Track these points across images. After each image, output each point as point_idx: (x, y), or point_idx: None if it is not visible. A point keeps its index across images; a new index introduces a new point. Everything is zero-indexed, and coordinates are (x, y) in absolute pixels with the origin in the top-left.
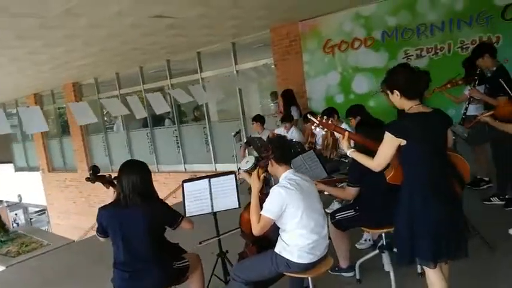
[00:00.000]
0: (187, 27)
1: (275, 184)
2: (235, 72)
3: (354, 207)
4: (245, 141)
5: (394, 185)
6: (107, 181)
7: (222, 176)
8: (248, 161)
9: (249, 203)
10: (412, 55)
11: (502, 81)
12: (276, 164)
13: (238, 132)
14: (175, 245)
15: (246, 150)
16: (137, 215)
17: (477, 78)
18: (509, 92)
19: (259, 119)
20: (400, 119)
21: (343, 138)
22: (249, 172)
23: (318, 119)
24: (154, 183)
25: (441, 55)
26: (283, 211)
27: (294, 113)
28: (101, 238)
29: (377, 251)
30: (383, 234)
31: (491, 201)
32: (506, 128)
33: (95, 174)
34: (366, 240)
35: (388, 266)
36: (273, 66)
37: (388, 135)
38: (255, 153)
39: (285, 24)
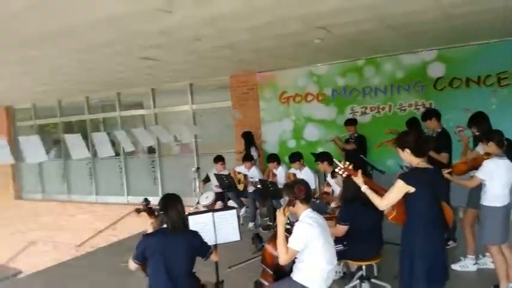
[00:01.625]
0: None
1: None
2: (191, 110)
3: (342, 243)
4: (204, 178)
5: (376, 223)
6: (153, 212)
7: (224, 211)
8: (208, 196)
9: (272, 237)
10: (358, 112)
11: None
12: (300, 204)
13: (198, 168)
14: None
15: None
16: (182, 245)
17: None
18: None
19: (221, 159)
20: (410, 172)
21: (357, 176)
22: (208, 206)
23: (343, 165)
24: (93, 215)
25: (383, 114)
26: (306, 244)
27: (254, 153)
28: (134, 265)
29: (358, 281)
30: (363, 266)
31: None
32: (462, 183)
33: (147, 206)
34: (336, 272)
35: None
36: (232, 108)
37: (400, 183)
38: (214, 189)
39: (243, 74)
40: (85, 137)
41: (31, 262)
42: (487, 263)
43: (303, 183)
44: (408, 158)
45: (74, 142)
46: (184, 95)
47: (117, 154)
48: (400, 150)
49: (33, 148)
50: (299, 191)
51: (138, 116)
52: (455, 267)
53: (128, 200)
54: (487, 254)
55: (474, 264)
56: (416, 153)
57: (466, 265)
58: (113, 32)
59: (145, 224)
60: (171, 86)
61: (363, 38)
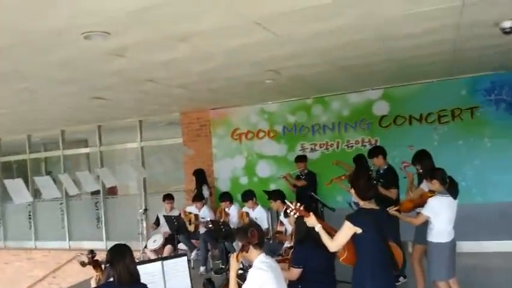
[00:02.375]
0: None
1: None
2: (139, 147)
3: (297, 286)
4: (155, 220)
5: (329, 263)
6: (99, 265)
7: (174, 258)
8: (156, 240)
9: (225, 285)
10: (308, 148)
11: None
12: (253, 249)
13: (146, 210)
14: None
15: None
16: None
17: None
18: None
19: (170, 197)
20: (356, 213)
21: (309, 217)
22: (156, 251)
23: (295, 206)
24: (31, 262)
25: (331, 150)
26: None
27: (205, 191)
28: None
29: None
30: None
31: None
32: (408, 220)
33: (92, 258)
34: None
35: None
36: (183, 145)
37: (347, 224)
38: (163, 231)
39: (195, 110)
40: (25, 178)
41: None
42: None
43: (256, 226)
44: (356, 197)
45: (15, 188)
46: (132, 131)
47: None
48: (352, 189)
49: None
50: (252, 236)
51: (82, 154)
52: None
53: (69, 245)
54: None
55: None
56: (361, 197)
57: None
58: (65, 73)
59: (88, 273)
60: (119, 123)
61: (313, 79)
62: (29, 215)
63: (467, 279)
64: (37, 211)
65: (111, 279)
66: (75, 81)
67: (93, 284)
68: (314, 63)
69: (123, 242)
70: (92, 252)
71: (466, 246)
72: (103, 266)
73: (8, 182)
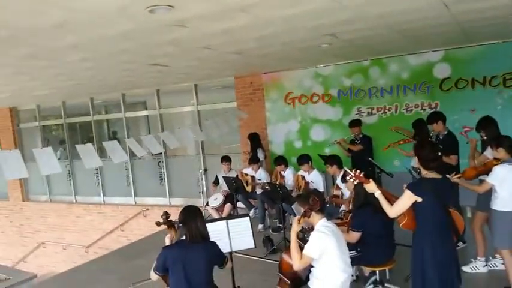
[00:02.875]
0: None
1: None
2: (196, 111)
3: (356, 249)
4: (214, 179)
5: (388, 228)
6: (172, 225)
7: (238, 218)
8: (217, 198)
9: (289, 246)
10: (364, 112)
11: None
12: (315, 214)
13: (206, 170)
14: None
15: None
16: (200, 254)
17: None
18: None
19: (227, 159)
20: (418, 182)
21: (369, 184)
22: (217, 208)
23: (354, 173)
24: (101, 216)
25: (389, 114)
26: (322, 253)
27: (260, 154)
28: (156, 276)
29: (372, 286)
30: (377, 271)
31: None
32: (472, 188)
33: (167, 219)
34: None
35: None
36: (238, 109)
37: (408, 193)
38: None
39: (249, 75)
40: (89, 139)
41: (41, 263)
42: (497, 264)
43: (317, 193)
44: (419, 165)
45: (85, 152)
46: (189, 95)
47: None
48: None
49: (47, 160)
50: (314, 203)
51: (142, 117)
52: (465, 269)
53: (135, 201)
54: (497, 255)
55: (484, 266)
56: (425, 167)
57: (476, 267)
58: (126, 44)
59: (154, 228)
60: (176, 86)
61: (370, 42)
62: (96, 172)
63: None
64: (104, 169)
65: (184, 237)
66: (136, 52)
67: (167, 241)
68: (370, 27)
69: (185, 199)
70: (166, 213)
71: None
72: (176, 226)
73: (79, 147)
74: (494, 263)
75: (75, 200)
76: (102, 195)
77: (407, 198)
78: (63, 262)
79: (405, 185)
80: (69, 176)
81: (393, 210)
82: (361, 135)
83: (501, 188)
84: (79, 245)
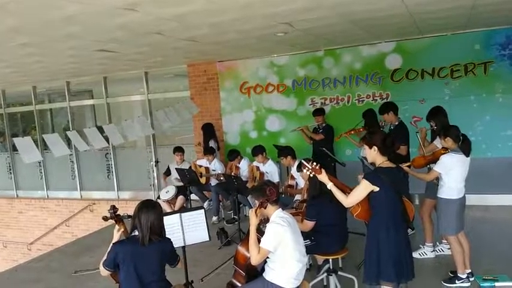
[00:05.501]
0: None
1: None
2: (146, 100)
3: (310, 238)
4: (165, 170)
5: (341, 217)
6: (121, 220)
7: (192, 211)
8: (168, 191)
9: (245, 239)
10: (318, 103)
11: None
12: (271, 205)
13: (157, 162)
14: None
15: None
16: (153, 253)
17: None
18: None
19: (180, 150)
20: (374, 172)
21: (321, 175)
22: (169, 201)
23: (310, 165)
24: (44, 211)
25: (342, 105)
26: (278, 245)
27: (213, 145)
28: (106, 271)
29: (325, 274)
30: (330, 260)
31: None
32: (420, 176)
33: (115, 213)
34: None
35: (334, 287)
36: (191, 101)
37: (365, 182)
38: (174, 182)
39: (202, 63)
40: (33, 128)
41: None
42: (444, 249)
43: (272, 184)
44: (373, 155)
45: (24, 146)
46: (138, 83)
47: None
48: (367, 148)
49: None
50: (271, 194)
51: (88, 106)
52: (414, 255)
53: (81, 195)
54: (444, 240)
55: (432, 251)
56: (383, 152)
57: (424, 252)
58: (71, 28)
59: (101, 222)
60: (125, 74)
61: (325, 32)
62: (39, 165)
63: (474, 231)
64: (47, 162)
65: (136, 232)
66: (82, 36)
67: (117, 237)
68: (325, 16)
69: (134, 192)
70: (113, 207)
71: (474, 199)
72: (124, 221)
73: (17, 141)
74: (441, 248)
75: (17, 195)
76: (45, 189)
77: (365, 188)
78: (3, 261)
79: (360, 176)
80: (10, 170)
81: (349, 200)
82: (323, 125)
83: (447, 176)
84: (21, 242)
